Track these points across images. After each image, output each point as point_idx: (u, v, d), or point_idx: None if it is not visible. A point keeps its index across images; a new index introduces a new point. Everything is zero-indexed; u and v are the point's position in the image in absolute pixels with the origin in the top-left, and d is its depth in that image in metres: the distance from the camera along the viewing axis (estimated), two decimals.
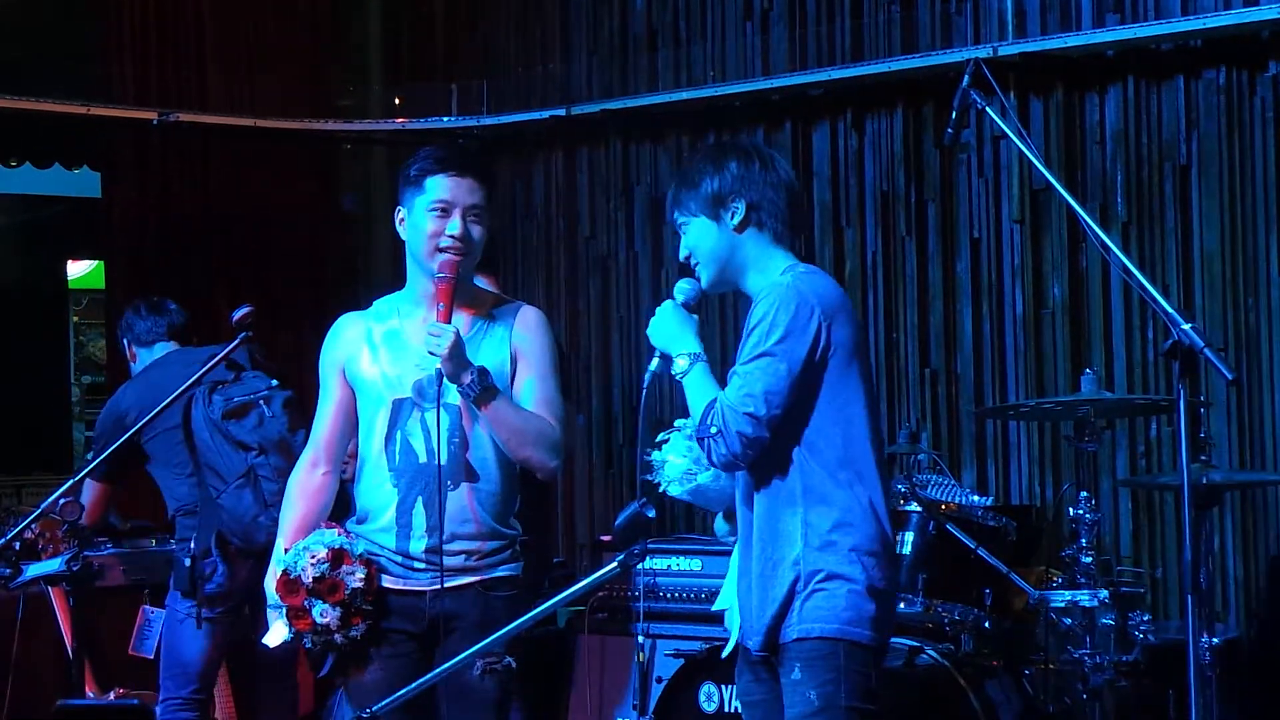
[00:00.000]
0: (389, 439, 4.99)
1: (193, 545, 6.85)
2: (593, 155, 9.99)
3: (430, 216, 5.00)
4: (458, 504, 4.94)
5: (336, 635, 4.90)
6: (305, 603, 4.89)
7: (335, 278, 10.40)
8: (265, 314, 6.06)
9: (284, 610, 4.93)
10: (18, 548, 6.32)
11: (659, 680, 6.97)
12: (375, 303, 5.21)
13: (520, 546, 5.08)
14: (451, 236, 4.98)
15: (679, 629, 7.25)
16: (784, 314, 4.42)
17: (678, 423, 4.81)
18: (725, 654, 4.87)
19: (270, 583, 5.01)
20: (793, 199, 4.68)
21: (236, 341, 6.27)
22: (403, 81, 10.73)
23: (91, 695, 7.00)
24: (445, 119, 10.33)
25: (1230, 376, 4.37)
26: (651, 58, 9.77)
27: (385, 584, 4.97)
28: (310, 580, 4.87)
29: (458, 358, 4.84)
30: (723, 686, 6.57)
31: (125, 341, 7.41)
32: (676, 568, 7.42)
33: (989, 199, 8.54)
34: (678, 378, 4.58)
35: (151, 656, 7.53)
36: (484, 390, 4.86)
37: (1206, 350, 4.28)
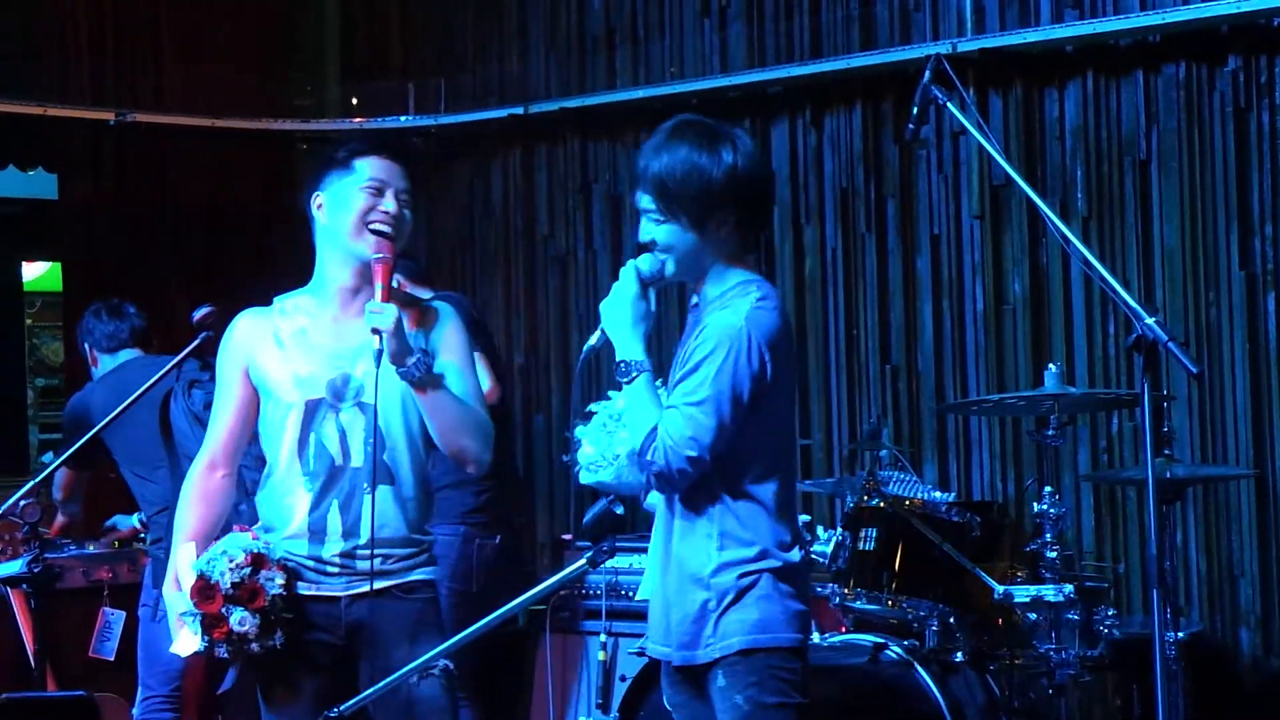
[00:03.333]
0: (302, 441, 4.85)
1: (166, 538, 6.84)
2: (551, 153, 9.96)
3: (363, 194, 4.87)
4: (376, 507, 4.80)
5: (253, 644, 4.73)
6: (223, 610, 4.69)
7: (291, 277, 10.34)
8: (223, 315, 6.00)
9: (198, 618, 4.73)
10: None
11: (622, 679, 6.96)
12: (276, 299, 5.07)
13: (430, 551, 4.97)
14: (386, 213, 4.86)
15: (642, 627, 7.22)
16: (732, 361, 4.37)
17: (593, 406, 4.79)
18: (647, 652, 4.82)
19: (172, 588, 4.86)
20: (767, 198, 4.66)
21: (197, 341, 6.25)
22: (359, 80, 10.69)
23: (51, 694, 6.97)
24: (402, 118, 10.29)
25: (1195, 370, 4.38)
26: (609, 56, 9.75)
27: (300, 590, 4.83)
28: (229, 586, 4.69)
29: (401, 337, 4.72)
30: None
31: (85, 345, 7.42)
32: (638, 565, 7.40)
33: (949, 195, 8.54)
34: (620, 381, 4.51)
35: (112, 659, 7.52)
36: (427, 372, 4.76)
37: (1170, 344, 4.29)
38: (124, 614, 7.48)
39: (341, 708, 4.36)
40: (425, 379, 4.76)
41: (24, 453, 11.88)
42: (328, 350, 4.89)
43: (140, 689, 7.07)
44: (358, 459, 4.82)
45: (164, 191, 10.03)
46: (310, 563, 4.84)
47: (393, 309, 4.73)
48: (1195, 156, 7.89)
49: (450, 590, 6.59)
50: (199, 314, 6.17)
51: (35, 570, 6.34)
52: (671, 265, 4.53)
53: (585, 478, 4.74)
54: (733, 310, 4.44)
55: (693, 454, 4.35)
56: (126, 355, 7.31)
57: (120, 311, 7.40)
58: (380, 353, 4.70)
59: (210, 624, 4.72)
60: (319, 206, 4.98)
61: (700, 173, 4.44)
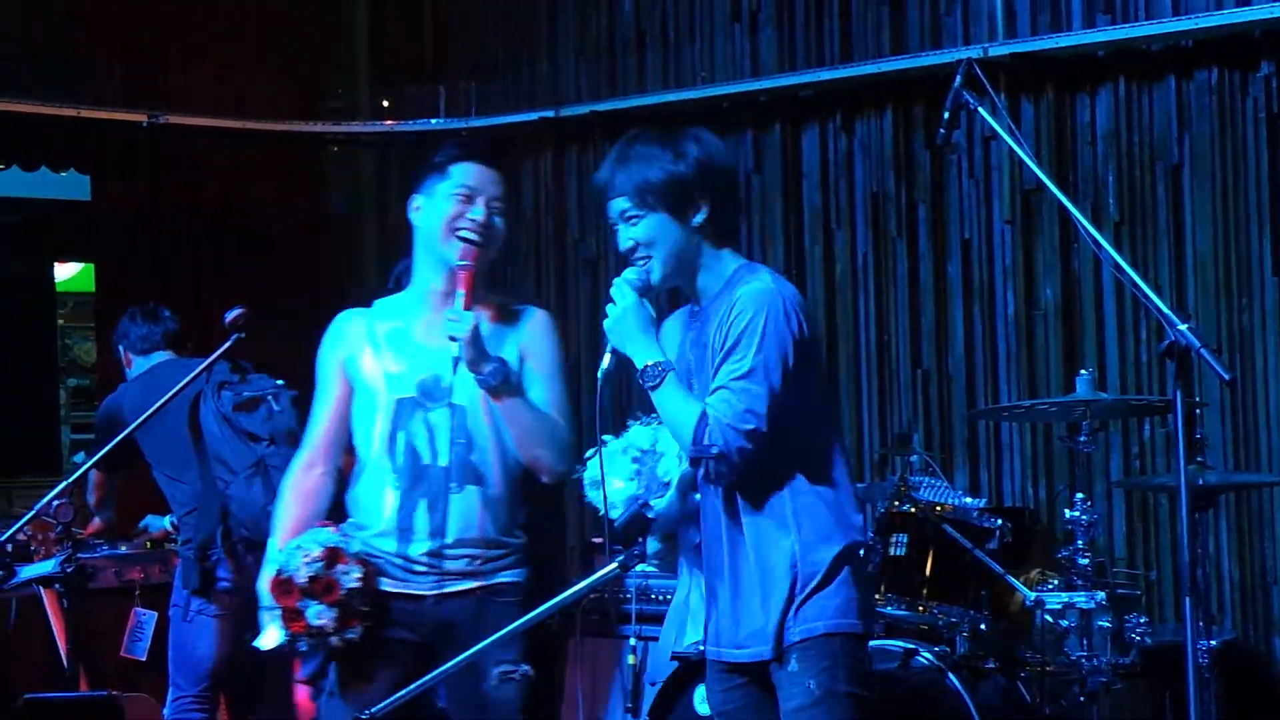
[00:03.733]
0: (391, 439, 4.89)
1: (195, 538, 6.88)
2: (581, 157, 9.97)
3: (453, 200, 4.92)
4: (462, 507, 4.85)
5: (332, 638, 4.77)
6: (299, 604, 4.74)
7: (323, 279, 10.38)
8: (254, 316, 6.02)
9: (278, 612, 4.79)
10: (10, 550, 6.29)
11: (652, 683, 6.95)
12: (376, 302, 5.12)
13: (525, 553, 4.99)
14: (474, 221, 4.90)
15: None
16: (771, 325, 4.36)
17: (606, 438, 4.76)
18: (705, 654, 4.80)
19: (263, 584, 4.89)
20: (736, 188, 4.66)
21: (229, 343, 6.26)
22: (391, 83, 10.70)
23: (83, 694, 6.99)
24: (433, 121, 10.32)
25: (1227, 377, 4.35)
26: (640, 59, 9.75)
27: (385, 587, 4.86)
28: (305, 580, 4.74)
29: (478, 345, 4.76)
30: None
31: (121, 348, 7.49)
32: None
33: (980, 200, 8.53)
34: (646, 388, 4.48)
35: (144, 659, 7.54)
36: (504, 381, 4.79)
37: (1203, 350, 4.27)
38: (155, 614, 7.50)
39: (374, 709, 4.37)
40: (501, 387, 4.79)
41: (56, 453, 11.93)
42: (419, 350, 4.93)
43: (170, 689, 7.10)
44: (445, 458, 4.85)
45: (196, 193, 10.06)
46: (398, 560, 4.88)
47: (470, 317, 4.78)
48: (1228, 162, 7.87)
49: None
50: (231, 315, 6.16)
51: (68, 570, 6.34)
52: (657, 268, 4.50)
53: (619, 514, 4.72)
54: (758, 279, 4.45)
55: (750, 427, 4.31)
56: (159, 357, 7.37)
57: (155, 315, 7.46)
58: (457, 360, 4.77)
59: (288, 618, 4.78)
60: (416, 209, 5.02)
61: (668, 162, 4.48)
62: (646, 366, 4.47)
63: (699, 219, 4.49)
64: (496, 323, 4.97)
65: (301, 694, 4.97)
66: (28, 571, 6.58)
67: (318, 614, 4.75)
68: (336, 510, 5.09)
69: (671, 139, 4.53)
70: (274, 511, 5.11)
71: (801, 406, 4.42)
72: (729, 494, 4.53)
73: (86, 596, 6.78)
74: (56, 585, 6.62)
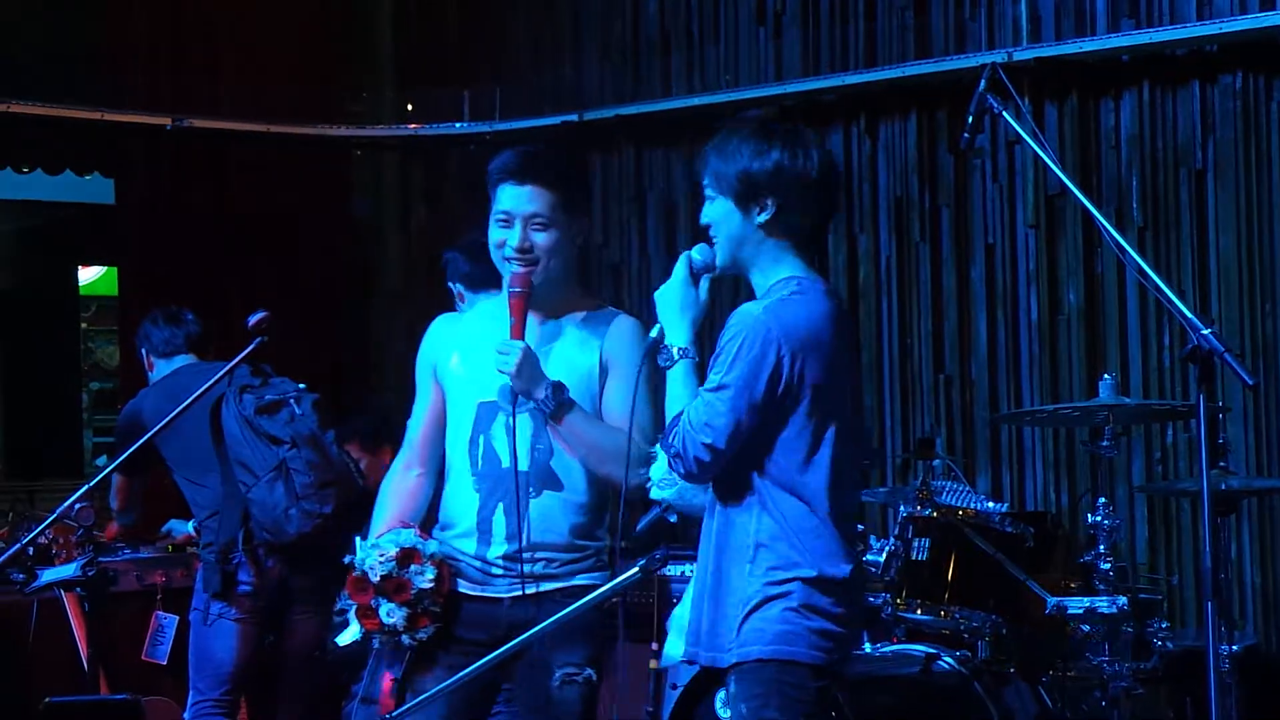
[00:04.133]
0: (473, 442, 4.93)
1: (216, 542, 6.88)
2: (605, 161, 9.96)
3: (495, 225, 4.94)
4: (541, 511, 4.87)
5: (403, 636, 4.84)
6: (373, 601, 4.82)
7: (347, 283, 10.40)
8: (277, 319, 6.04)
9: (354, 608, 4.87)
10: (31, 553, 6.30)
11: (674, 687, 6.94)
12: (477, 304, 5.17)
13: (607, 556, 4.97)
14: (513, 248, 4.90)
15: None
16: (746, 348, 4.33)
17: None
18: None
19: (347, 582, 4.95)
20: (822, 200, 4.56)
21: (252, 346, 6.26)
22: (414, 87, 10.71)
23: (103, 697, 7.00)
24: (457, 124, 10.32)
25: (1251, 382, 4.36)
26: (664, 63, 9.75)
27: (462, 589, 4.91)
28: (378, 578, 4.81)
29: (528, 374, 4.78)
30: None
31: (143, 351, 7.49)
32: (690, 573, 7.39)
33: (1003, 204, 8.52)
34: (662, 366, 4.51)
35: (165, 662, 7.55)
36: (558, 406, 4.80)
37: (1226, 355, 4.26)
38: (177, 618, 7.52)
39: (401, 710, 4.43)
40: (555, 413, 4.82)
41: (79, 456, 11.97)
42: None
43: (191, 693, 7.10)
44: (524, 463, 4.87)
45: (220, 196, 10.06)
46: (477, 563, 4.92)
47: (519, 346, 4.80)
48: (1252, 167, 7.84)
49: None
50: (254, 319, 6.17)
51: (90, 574, 6.34)
52: (720, 252, 4.54)
53: (657, 493, 4.73)
54: (759, 302, 4.45)
55: (707, 441, 4.31)
56: (182, 361, 7.37)
57: (178, 318, 7.46)
58: (514, 390, 4.81)
59: (363, 615, 4.85)
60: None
61: (747, 157, 4.47)
62: (665, 345, 4.51)
63: (763, 217, 4.47)
64: (583, 326, 4.99)
65: (386, 687, 4.99)
66: (49, 575, 6.57)
67: (389, 612, 4.81)
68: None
69: (764, 136, 4.51)
70: (374, 511, 5.15)
71: (785, 434, 4.38)
72: (713, 499, 4.53)
73: (107, 600, 6.80)
74: (78, 589, 6.62)
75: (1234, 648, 6.27)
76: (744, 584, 4.39)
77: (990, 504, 6.96)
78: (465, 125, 10.30)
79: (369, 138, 10.67)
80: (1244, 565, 7.77)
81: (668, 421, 4.44)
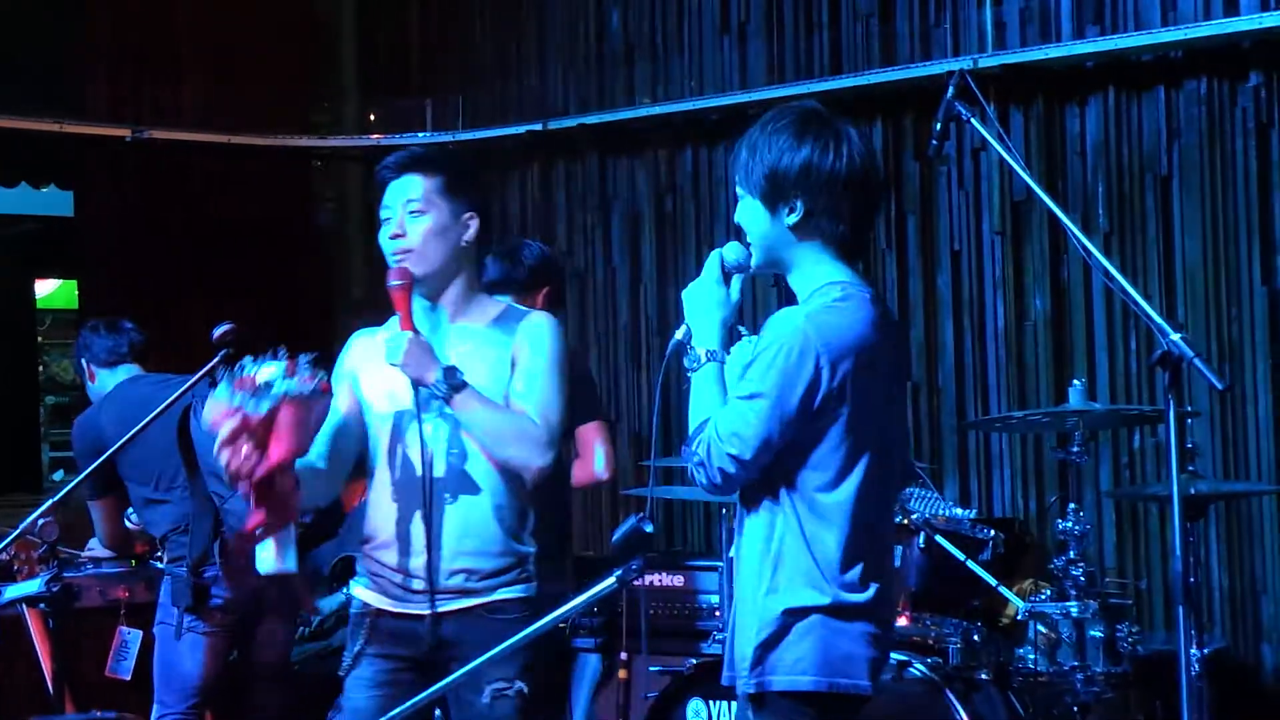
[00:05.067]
0: (390, 453, 4.83)
1: (188, 555, 6.82)
2: (569, 170, 9.95)
3: (383, 224, 4.96)
4: (458, 518, 4.76)
5: (290, 384, 4.60)
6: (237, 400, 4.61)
7: (310, 294, 10.35)
8: (240, 331, 5.98)
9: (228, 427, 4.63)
10: None
11: (645, 697, 6.91)
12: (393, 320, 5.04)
13: (535, 565, 4.84)
14: (390, 239, 4.91)
15: (665, 644, 7.19)
16: (782, 357, 4.07)
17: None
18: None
19: (209, 415, 4.73)
20: (857, 203, 4.25)
21: (217, 359, 6.20)
22: (377, 97, 10.68)
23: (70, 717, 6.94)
24: (420, 134, 10.29)
25: (1221, 386, 4.33)
26: (628, 72, 9.74)
27: (382, 607, 4.82)
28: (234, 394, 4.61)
29: (416, 360, 4.72)
30: (710, 702, 6.52)
31: (83, 361, 7.37)
32: (661, 583, 7.37)
33: (969, 211, 8.52)
34: (687, 370, 4.29)
35: (128, 678, 7.47)
36: (451, 388, 4.71)
37: (1196, 360, 4.23)
38: (140, 633, 7.44)
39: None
40: (450, 395, 4.72)
41: (37, 470, 11.86)
42: None
43: (156, 706, 7.04)
44: (440, 469, 4.78)
45: (181, 208, 10.02)
46: (397, 576, 4.80)
47: (402, 338, 4.76)
48: (1217, 172, 7.87)
49: None
50: (218, 332, 6.10)
51: (54, 590, 6.28)
52: (756, 254, 4.29)
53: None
54: (801, 308, 4.20)
55: (733, 451, 4.09)
56: (126, 371, 7.26)
57: (118, 326, 7.37)
58: (411, 381, 4.76)
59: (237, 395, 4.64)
60: None
61: (777, 155, 4.21)
62: (692, 347, 4.30)
63: (792, 219, 4.19)
64: (495, 325, 4.90)
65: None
66: (11, 591, 6.50)
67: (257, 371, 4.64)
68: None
69: (797, 131, 4.21)
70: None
71: (817, 448, 4.14)
72: (740, 508, 4.35)
73: (70, 616, 6.74)
74: (42, 605, 6.56)
75: (1204, 651, 6.26)
76: (761, 606, 4.17)
77: (959, 510, 6.96)
78: (428, 135, 10.26)
79: (332, 148, 10.64)
80: (1212, 569, 7.79)
81: (692, 428, 4.21)
